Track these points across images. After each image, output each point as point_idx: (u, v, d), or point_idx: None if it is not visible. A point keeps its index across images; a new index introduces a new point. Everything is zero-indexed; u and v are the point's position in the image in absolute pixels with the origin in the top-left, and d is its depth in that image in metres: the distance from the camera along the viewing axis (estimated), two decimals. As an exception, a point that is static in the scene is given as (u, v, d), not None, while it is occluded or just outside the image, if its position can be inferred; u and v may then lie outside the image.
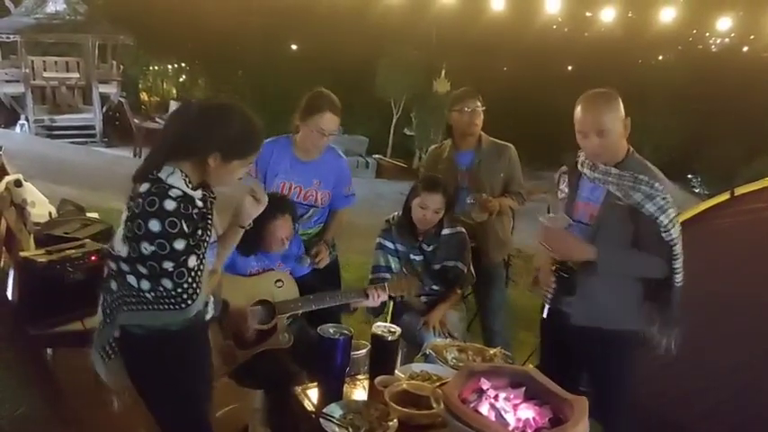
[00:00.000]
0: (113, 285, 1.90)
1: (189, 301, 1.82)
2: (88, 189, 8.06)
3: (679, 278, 2.24)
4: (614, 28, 16.79)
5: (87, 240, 3.27)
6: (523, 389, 1.65)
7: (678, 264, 2.22)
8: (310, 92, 2.90)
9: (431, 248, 3.03)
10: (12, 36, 18.69)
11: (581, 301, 2.30)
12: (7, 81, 19.18)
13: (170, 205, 1.75)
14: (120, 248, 1.83)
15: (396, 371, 2.10)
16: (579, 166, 2.35)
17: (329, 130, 2.82)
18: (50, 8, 19.15)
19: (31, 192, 4.24)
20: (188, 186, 1.82)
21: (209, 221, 1.91)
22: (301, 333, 2.62)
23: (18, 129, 18.36)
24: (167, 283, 1.79)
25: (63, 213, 4.34)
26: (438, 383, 1.80)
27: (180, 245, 1.76)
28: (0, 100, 19.33)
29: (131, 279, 1.83)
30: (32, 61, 19.19)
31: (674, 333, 2.31)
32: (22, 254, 3.08)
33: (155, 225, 1.74)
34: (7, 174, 4.31)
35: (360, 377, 2.15)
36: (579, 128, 2.25)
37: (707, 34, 20.26)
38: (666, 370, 2.73)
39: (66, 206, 4.58)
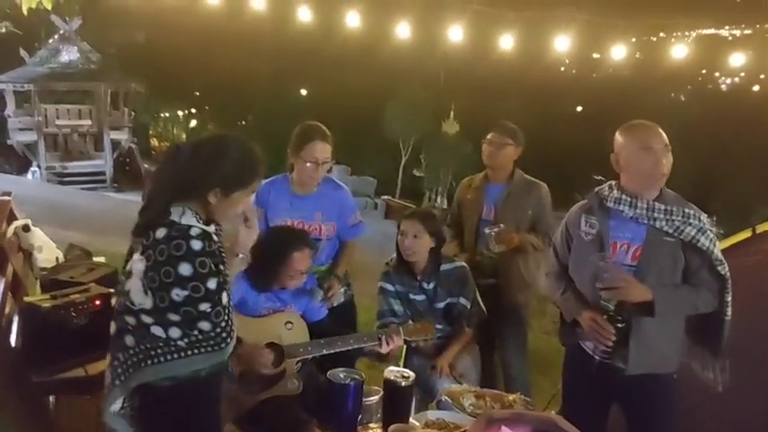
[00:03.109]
0: (129, 341, 1.82)
1: (228, 340, 1.78)
2: (96, 233, 8.05)
3: (729, 312, 2.19)
4: (622, 69, 16.97)
5: (92, 285, 3.21)
6: (548, 437, 1.55)
7: (729, 297, 2.18)
8: (298, 126, 2.91)
9: (431, 286, 2.95)
10: (26, 85, 19.12)
11: (636, 349, 2.20)
12: (20, 129, 19.57)
13: (197, 245, 1.71)
14: (142, 300, 1.76)
15: (410, 418, 2.01)
16: (612, 203, 2.24)
17: (322, 158, 2.81)
18: (64, 57, 19.64)
19: (38, 237, 4.21)
20: (200, 223, 1.79)
21: (224, 255, 1.87)
22: (310, 378, 2.53)
23: (30, 175, 18.61)
24: (205, 326, 1.73)
25: (70, 258, 4.30)
26: (456, 432, 1.70)
27: (213, 284, 1.72)
28: (13, 148, 19.64)
29: (157, 330, 1.76)
30: (45, 109, 19.59)
31: (724, 368, 2.25)
32: (26, 299, 3.04)
33: (185, 269, 1.69)
34: (16, 219, 4.30)
35: (372, 425, 2.05)
36: (645, 144, 2.16)
37: (716, 74, 20.50)
38: (697, 409, 2.61)
39: (74, 251, 4.54)
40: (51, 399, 3.06)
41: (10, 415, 2.86)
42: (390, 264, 3.04)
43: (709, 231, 2.14)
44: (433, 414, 2.06)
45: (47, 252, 4.16)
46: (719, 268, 2.16)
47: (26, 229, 4.11)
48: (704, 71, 19.69)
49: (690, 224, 2.14)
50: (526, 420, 1.62)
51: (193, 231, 1.73)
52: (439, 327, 2.93)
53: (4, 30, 17.94)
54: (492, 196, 3.36)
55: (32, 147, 19.58)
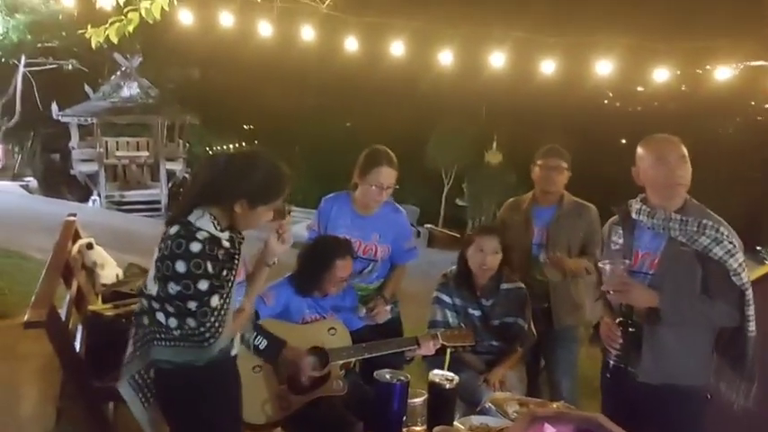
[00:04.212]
0: (145, 320, 2.01)
1: (211, 340, 1.88)
2: (152, 256, 8.31)
3: (752, 327, 2.14)
4: (668, 101, 16.67)
5: (152, 297, 3.37)
6: (590, 435, 1.58)
7: (750, 311, 2.13)
8: (367, 149, 2.99)
9: (489, 303, 2.98)
10: (89, 119, 20.06)
11: (650, 357, 2.21)
12: (83, 160, 20.46)
13: (196, 247, 1.84)
14: (152, 287, 1.93)
15: (455, 422, 2.04)
16: (635, 215, 2.31)
17: (387, 183, 2.88)
18: (125, 92, 20.53)
19: (101, 255, 4.42)
20: (216, 229, 1.92)
21: (236, 262, 1.98)
22: (355, 388, 2.59)
23: (90, 203, 19.40)
24: (191, 322, 1.86)
25: (129, 275, 4.49)
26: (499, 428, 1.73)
27: (204, 285, 1.84)
28: (75, 177, 20.55)
29: (160, 316, 1.92)
30: (106, 142, 20.47)
31: (750, 388, 2.18)
32: (91, 307, 3.22)
33: (181, 266, 1.83)
34: (80, 238, 4.53)
35: (417, 428, 2.09)
36: (659, 155, 2.23)
37: (766, 106, 19.95)
38: (731, 427, 2.56)
39: (132, 269, 4.74)
40: (110, 405, 3.20)
41: (71, 421, 3.01)
42: (449, 275, 3.07)
43: (726, 242, 2.12)
44: (477, 419, 2.09)
45: (108, 269, 4.36)
46: (734, 278, 2.13)
47: (90, 246, 4.32)
48: (753, 103, 19.16)
49: (704, 234, 2.14)
50: (569, 419, 1.64)
51: (200, 234, 1.87)
52: (494, 344, 2.97)
53: (70, 67, 18.94)
54: (542, 219, 3.33)
55: (93, 177, 20.42)
